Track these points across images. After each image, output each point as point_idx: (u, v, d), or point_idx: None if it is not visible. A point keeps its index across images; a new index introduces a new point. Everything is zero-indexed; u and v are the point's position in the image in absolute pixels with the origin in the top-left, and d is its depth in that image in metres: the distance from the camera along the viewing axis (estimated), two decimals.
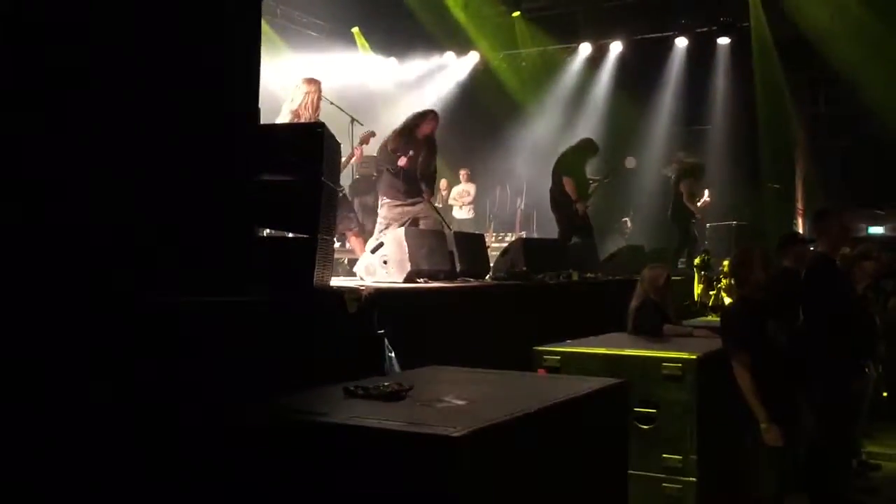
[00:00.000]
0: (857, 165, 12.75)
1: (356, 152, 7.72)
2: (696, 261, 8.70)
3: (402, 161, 7.26)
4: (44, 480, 2.44)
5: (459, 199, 13.50)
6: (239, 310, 3.27)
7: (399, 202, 7.33)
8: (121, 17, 3.00)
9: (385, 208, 7.35)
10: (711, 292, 7.94)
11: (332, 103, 7.58)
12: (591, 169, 9.70)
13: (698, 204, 10.52)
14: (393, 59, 15.03)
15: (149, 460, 2.69)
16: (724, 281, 7.66)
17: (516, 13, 14.61)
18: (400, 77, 15.10)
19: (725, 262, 8.39)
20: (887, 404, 7.08)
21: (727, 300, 7.60)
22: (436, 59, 15.33)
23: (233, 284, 3.36)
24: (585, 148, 9.58)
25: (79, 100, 2.84)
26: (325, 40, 13.81)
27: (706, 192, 10.72)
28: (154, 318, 2.87)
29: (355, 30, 14.32)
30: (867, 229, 12.33)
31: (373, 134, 7.79)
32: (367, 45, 14.43)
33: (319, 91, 6.92)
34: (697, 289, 8.10)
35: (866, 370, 5.77)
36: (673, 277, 6.11)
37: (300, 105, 6.76)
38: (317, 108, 6.87)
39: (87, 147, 2.85)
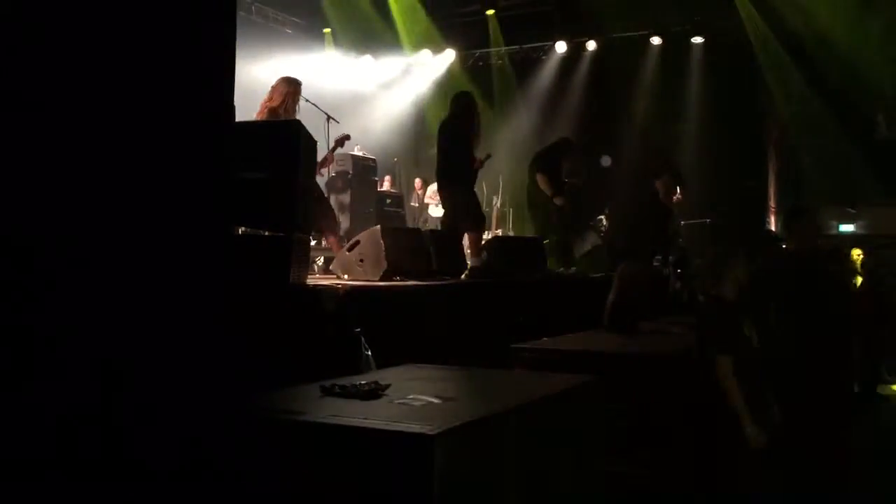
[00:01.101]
0: (830, 164, 12.90)
1: (329, 158, 7.67)
2: (673, 259, 8.78)
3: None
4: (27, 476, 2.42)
5: (435, 198, 13.51)
6: (213, 307, 3.24)
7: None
8: (92, 12, 2.97)
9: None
10: (687, 289, 8.00)
11: (307, 101, 7.56)
12: (567, 167, 9.73)
13: (674, 200, 10.59)
14: (368, 58, 15.01)
15: (123, 461, 2.66)
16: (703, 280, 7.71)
17: (490, 11, 14.62)
18: (375, 76, 15.09)
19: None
20: (858, 398, 7.18)
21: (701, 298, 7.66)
22: (411, 58, 15.32)
23: (207, 282, 3.33)
24: (561, 146, 9.62)
25: (48, 96, 2.80)
26: (300, 38, 13.77)
27: (678, 189, 10.78)
28: (128, 314, 2.84)
29: (327, 31, 14.32)
30: (838, 227, 12.47)
31: (348, 137, 7.76)
32: (345, 38, 14.43)
33: (298, 91, 6.90)
34: (675, 286, 8.16)
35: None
36: (648, 274, 6.14)
37: (279, 105, 6.73)
38: (295, 109, 6.84)
39: (56, 145, 2.81)
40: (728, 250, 4.78)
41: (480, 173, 7.91)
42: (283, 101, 6.73)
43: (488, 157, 7.85)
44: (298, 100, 6.87)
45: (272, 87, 6.92)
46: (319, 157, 6.84)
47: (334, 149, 7.60)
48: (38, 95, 2.77)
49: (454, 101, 7.71)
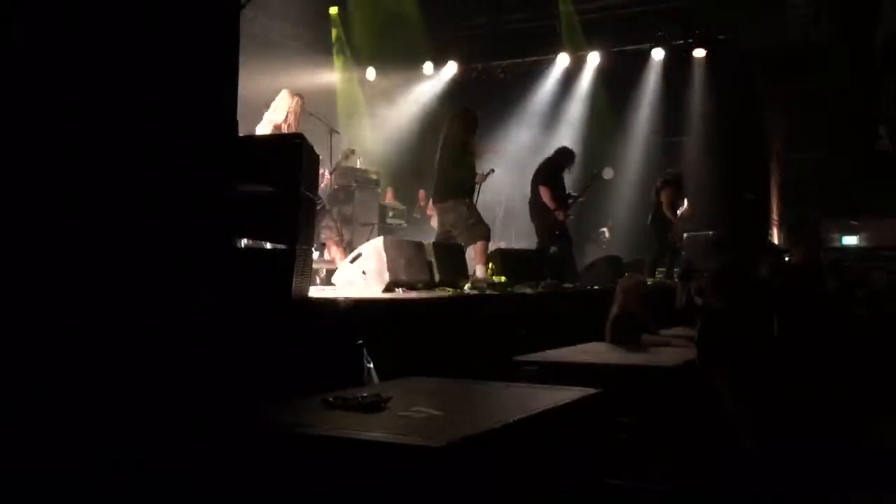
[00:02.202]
0: (832, 176, 12.90)
1: (327, 179, 7.70)
2: (677, 271, 8.78)
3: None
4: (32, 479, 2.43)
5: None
6: (217, 320, 3.25)
7: None
8: (98, 25, 2.99)
9: None
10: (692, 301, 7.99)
11: (311, 114, 7.59)
12: (569, 178, 9.75)
13: (678, 213, 10.60)
14: (371, 69, 15.05)
15: (127, 471, 2.66)
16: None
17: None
18: (378, 88, 15.13)
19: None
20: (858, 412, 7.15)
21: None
22: (414, 70, 15.37)
23: (211, 295, 3.34)
24: (563, 156, 9.63)
25: (54, 107, 2.82)
26: (302, 50, 13.82)
27: (685, 201, 10.79)
28: (132, 326, 2.85)
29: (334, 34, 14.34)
30: (841, 240, 12.46)
31: (352, 151, 7.80)
32: (348, 51, 14.46)
33: (303, 105, 6.92)
34: (680, 298, 8.15)
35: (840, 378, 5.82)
36: (651, 286, 6.14)
37: (283, 119, 6.75)
38: (299, 122, 6.87)
39: (62, 155, 2.83)
40: (732, 262, 4.81)
41: (483, 185, 7.93)
42: (286, 115, 6.76)
43: (491, 171, 7.86)
44: (302, 113, 6.91)
45: (276, 100, 6.95)
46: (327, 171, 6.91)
47: (335, 169, 7.64)
48: (46, 107, 2.79)
49: (455, 117, 7.73)
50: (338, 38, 14.49)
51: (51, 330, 2.58)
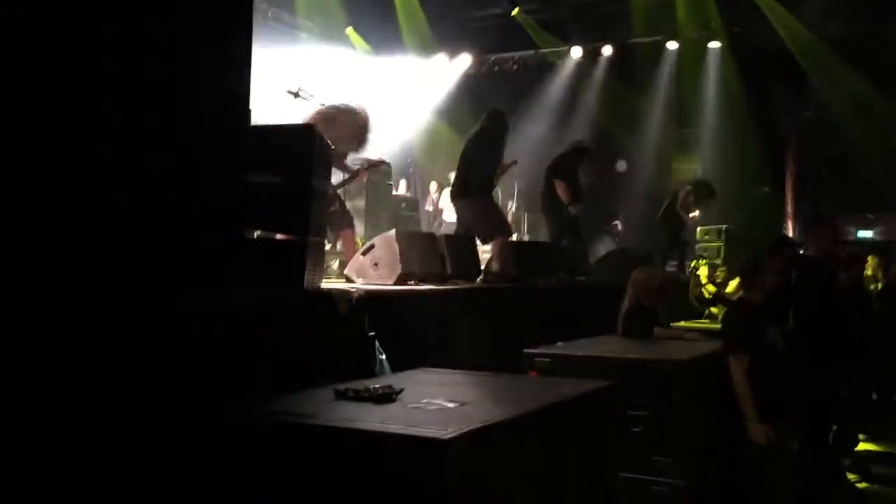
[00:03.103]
0: (847, 170, 12.82)
1: (362, 175, 7.52)
2: (693, 264, 8.75)
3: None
4: (38, 481, 2.44)
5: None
6: (230, 312, 3.26)
7: None
8: (113, 19, 2.99)
9: None
10: (706, 291, 7.99)
11: (322, 105, 7.55)
12: (582, 171, 9.71)
13: (690, 214, 10.59)
14: (384, 62, 15.04)
15: (138, 461, 2.67)
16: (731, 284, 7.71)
17: (515, 11, 14.46)
18: (390, 79, 15.11)
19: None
20: (877, 407, 7.13)
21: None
22: (427, 62, 15.34)
23: (223, 287, 3.35)
24: (577, 150, 9.60)
25: (69, 99, 2.83)
26: (316, 41, 13.82)
27: (698, 211, 10.73)
28: (146, 318, 2.86)
29: (349, 30, 14.32)
30: (857, 233, 12.39)
31: (384, 162, 7.77)
32: (363, 42, 14.43)
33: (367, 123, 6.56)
34: (693, 291, 8.14)
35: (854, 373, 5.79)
36: (662, 280, 6.12)
37: (339, 135, 6.25)
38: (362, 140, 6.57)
39: (78, 146, 2.84)
40: (756, 255, 4.83)
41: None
42: (341, 133, 6.31)
43: (514, 162, 7.86)
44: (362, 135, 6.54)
45: (336, 114, 6.45)
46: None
47: (367, 168, 7.53)
48: (56, 99, 2.79)
49: (487, 116, 7.74)
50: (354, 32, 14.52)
51: (57, 324, 2.58)
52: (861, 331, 6.00)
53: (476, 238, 7.52)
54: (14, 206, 2.63)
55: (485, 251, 7.63)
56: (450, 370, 3.86)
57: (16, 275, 2.61)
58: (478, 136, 7.60)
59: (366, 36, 14.63)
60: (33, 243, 2.69)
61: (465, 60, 15.32)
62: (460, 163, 7.60)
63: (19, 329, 2.46)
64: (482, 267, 7.16)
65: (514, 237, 12.73)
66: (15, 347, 2.42)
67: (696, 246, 11.03)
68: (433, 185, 14.14)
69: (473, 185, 7.46)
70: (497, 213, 7.56)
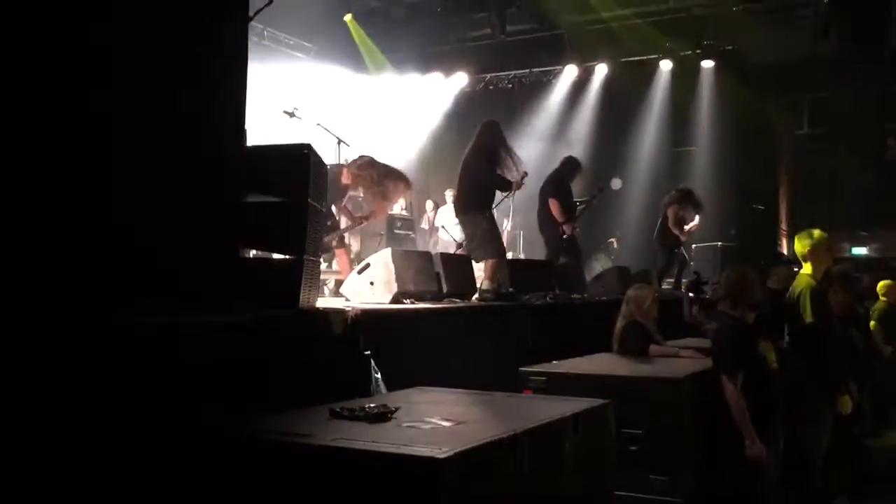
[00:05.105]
0: (841, 187, 12.88)
1: (359, 222, 7.78)
2: (686, 283, 8.75)
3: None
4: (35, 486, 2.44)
5: (446, 220, 13.49)
6: (225, 330, 3.26)
7: None
8: (109, 37, 3.01)
9: None
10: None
11: (318, 125, 7.60)
12: (576, 188, 9.73)
13: (685, 229, 10.55)
14: (379, 80, 15.09)
15: (134, 477, 2.67)
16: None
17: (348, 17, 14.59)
18: (386, 98, 15.16)
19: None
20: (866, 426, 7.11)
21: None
22: (422, 81, 15.41)
23: (219, 305, 3.35)
24: (569, 167, 9.61)
25: (67, 118, 2.84)
26: (311, 61, 13.88)
27: (696, 217, 10.70)
28: (143, 334, 2.86)
29: (348, 18, 14.39)
30: (850, 250, 12.42)
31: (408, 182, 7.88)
32: (362, 33, 14.53)
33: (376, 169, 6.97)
34: (689, 310, 8.13)
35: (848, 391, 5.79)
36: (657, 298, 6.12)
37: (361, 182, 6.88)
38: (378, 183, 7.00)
39: (76, 165, 2.85)
40: (749, 273, 4.82)
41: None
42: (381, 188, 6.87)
43: (525, 174, 7.81)
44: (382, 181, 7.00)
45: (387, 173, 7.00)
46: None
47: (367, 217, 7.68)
48: (58, 117, 2.81)
49: (483, 129, 7.67)
50: (362, 41, 14.58)
51: (56, 338, 2.59)
52: (852, 348, 6.02)
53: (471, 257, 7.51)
54: (15, 223, 2.65)
55: (480, 270, 7.62)
56: (445, 389, 3.86)
57: (19, 294, 2.62)
58: (478, 150, 7.55)
59: (360, 56, 14.75)
60: (34, 261, 2.70)
61: (460, 79, 15.40)
62: (461, 178, 7.57)
63: (23, 349, 2.47)
64: (478, 285, 7.16)
65: (510, 255, 12.77)
66: (17, 363, 2.43)
67: (691, 264, 11.04)
68: (429, 204, 14.14)
69: (473, 201, 7.45)
70: (493, 234, 7.52)
